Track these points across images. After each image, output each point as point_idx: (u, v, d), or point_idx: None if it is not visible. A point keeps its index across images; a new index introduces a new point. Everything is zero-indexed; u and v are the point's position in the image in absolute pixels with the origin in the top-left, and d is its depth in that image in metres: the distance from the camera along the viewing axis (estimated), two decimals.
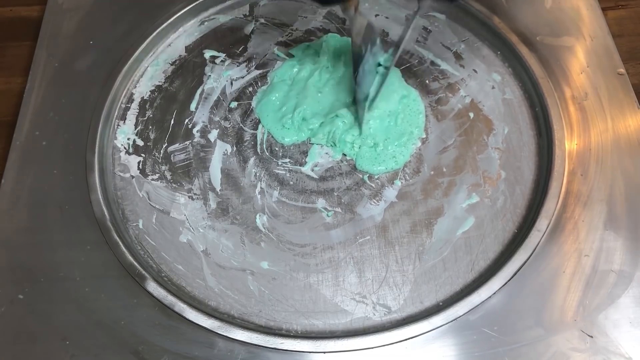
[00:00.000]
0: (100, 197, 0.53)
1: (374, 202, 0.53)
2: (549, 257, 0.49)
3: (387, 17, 0.64)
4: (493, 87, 0.59)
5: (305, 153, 0.56)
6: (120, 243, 0.51)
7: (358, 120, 0.55)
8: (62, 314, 0.48)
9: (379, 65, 0.55)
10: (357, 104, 0.55)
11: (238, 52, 0.63)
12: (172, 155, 0.57)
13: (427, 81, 0.60)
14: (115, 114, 0.60)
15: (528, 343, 0.45)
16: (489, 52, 0.62)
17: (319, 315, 0.48)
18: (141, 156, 0.57)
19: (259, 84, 0.61)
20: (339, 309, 0.49)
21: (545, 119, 0.56)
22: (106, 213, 0.52)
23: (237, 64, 0.62)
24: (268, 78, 0.61)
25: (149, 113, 0.60)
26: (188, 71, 0.62)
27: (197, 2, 0.65)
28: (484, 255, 0.50)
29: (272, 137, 0.57)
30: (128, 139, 0.58)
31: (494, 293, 0.47)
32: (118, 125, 0.59)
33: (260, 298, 0.49)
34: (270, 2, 0.66)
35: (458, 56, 0.61)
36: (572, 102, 0.57)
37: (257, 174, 0.55)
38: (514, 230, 0.51)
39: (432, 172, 0.55)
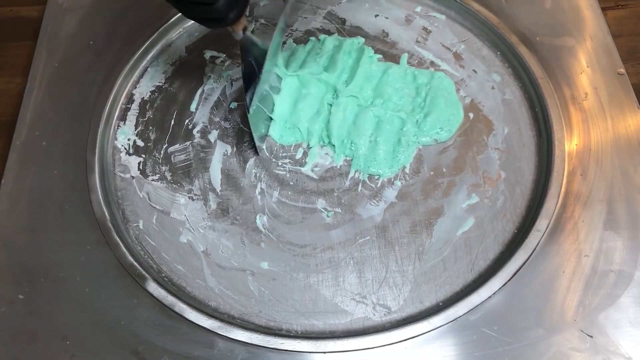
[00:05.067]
0: (100, 197, 0.53)
1: (374, 203, 0.53)
2: (549, 257, 0.49)
3: (387, 18, 0.65)
4: (493, 88, 0.59)
5: (305, 153, 0.56)
6: (121, 243, 0.51)
7: (255, 141, 0.55)
8: (62, 314, 0.48)
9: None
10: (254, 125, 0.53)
11: (238, 52, 0.63)
12: (172, 155, 0.57)
13: None
14: (116, 114, 0.60)
15: (528, 343, 0.45)
16: (489, 53, 0.62)
17: (319, 316, 0.48)
18: (141, 157, 0.57)
19: None
20: (339, 309, 0.49)
21: (545, 119, 0.56)
22: (106, 213, 0.52)
23: (237, 64, 0.62)
24: None
25: (149, 113, 0.60)
26: (188, 71, 0.62)
27: None
28: (484, 255, 0.50)
29: (272, 137, 0.57)
30: (128, 139, 0.58)
31: (494, 293, 0.47)
32: (118, 125, 0.59)
33: (260, 298, 0.49)
34: (270, 2, 0.67)
35: (458, 56, 0.61)
36: (572, 103, 0.57)
37: (257, 175, 0.56)
38: (514, 231, 0.51)
39: (431, 173, 0.55)
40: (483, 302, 0.47)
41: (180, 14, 0.63)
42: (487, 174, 0.54)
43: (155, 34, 0.63)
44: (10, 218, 0.53)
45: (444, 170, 0.55)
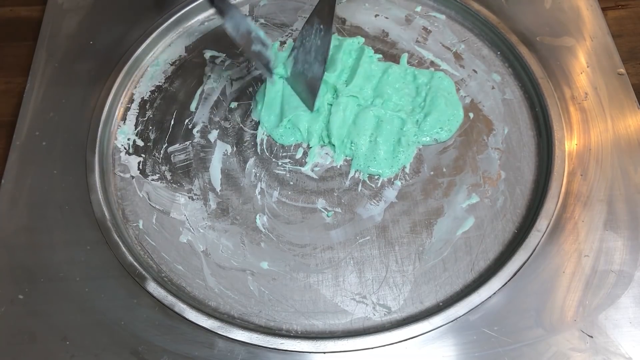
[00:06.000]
0: (100, 197, 0.53)
1: (374, 203, 0.53)
2: (549, 257, 0.49)
3: (387, 17, 0.65)
4: (493, 88, 0.59)
5: (305, 153, 0.56)
6: (120, 243, 0.51)
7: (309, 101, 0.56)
8: (62, 314, 0.48)
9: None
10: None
11: (238, 52, 0.63)
12: (172, 155, 0.57)
13: None
14: (115, 114, 0.60)
15: (528, 343, 0.45)
16: (489, 52, 0.62)
17: (319, 316, 0.48)
18: (141, 156, 0.57)
19: (259, 84, 0.61)
20: (339, 309, 0.49)
21: (545, 119, 0.56)
22: (106, 213, 0.52)
23: (237, 64, 0.62)
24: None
25: (149, 113, 0.60)
26: (188, 71, 0.62)
27: (197, 2, 0.65)
28: (484, 256, 0.50)
29: (272, 137, 0.57)
30: (128, 139, 0.58)
31: (494, 293, 0.47)
32: (118, 125, 0.59)
33: (260, 298, 0.49)
34: (270, 2, 0.66)
35: (458, 56, 0.61)
36: (572, 103, 0.57)
37: (257, 174, 0.56)
38: (514, 231, 0.51)
39: (432, 172, 0.55)
40: (483, 302, 0.47)
41: (180, 13, 0.64)
42: (487, 174, 0.54)
43: (155, 34, 0.63)
44: (10, 218, 0.53)
45: (444, 170, 0.55)
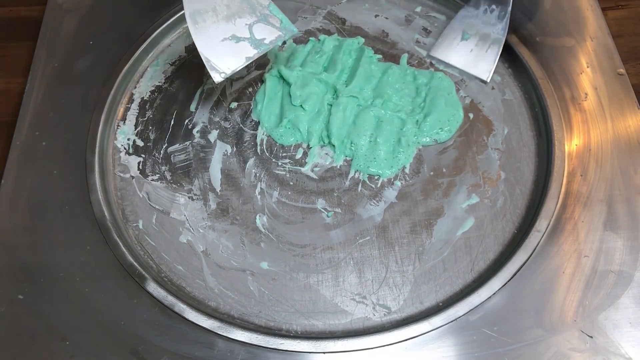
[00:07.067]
0: (100, 197, 0.53)
1: (374, 203, 0.53)
2: (548, 257, 0.49)
3: (387, 18, 0.64)
4: (493, 88, 0.59)
5: (305, 153, 0.56)
6: (120, 243, 0.51)
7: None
8: (62, 314, 0.48)
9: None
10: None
11: None
12: (172, 155, 0.57)
13: None
14: (115, 114, 0.60)
15: (528, 343, 0.45)
16: None
17: (318, 316, 0.48)
18: (141, 156, 0.57)
19: (259, 84, 0.61)
20: (339, 309, 0.49)
21: (545, 119, 0.56)
22: (106, 213, 0.52)
23: None
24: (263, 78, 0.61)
25: (149, 113, 0.60)
26: (188, 71, 0.62)
27: None
28: (484, 256, 0.50)
29: (272, 137, 0.57)
30: (128, 139, 0.58)
31: (494, 293, 0.47)
32: (118, 125, 0.59)
33: (260, 298, 0.49)
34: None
35: None
36: (572, 103, 0.57)
37: (257, 175, 0.56)
38: (514, 231, 0.51)
39: (431, 173, 0.55)
40: (483, 302, 0.47)
41: (180, 13, 0.64)
42: (487, 174, 0.54)
43: (155, 34, 0.63)
44: (10, 218, 0.53)
45: (444, 170, 0.55)
